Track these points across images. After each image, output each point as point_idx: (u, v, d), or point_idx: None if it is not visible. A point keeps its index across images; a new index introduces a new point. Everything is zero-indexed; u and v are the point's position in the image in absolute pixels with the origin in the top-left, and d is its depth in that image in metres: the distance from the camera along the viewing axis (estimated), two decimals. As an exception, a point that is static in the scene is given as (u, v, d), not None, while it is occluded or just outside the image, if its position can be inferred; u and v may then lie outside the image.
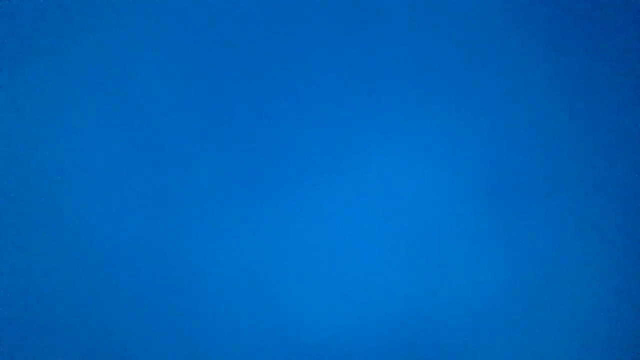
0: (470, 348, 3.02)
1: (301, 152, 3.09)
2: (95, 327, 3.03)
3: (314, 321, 3.04)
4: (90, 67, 3.11)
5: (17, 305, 3.03)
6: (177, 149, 3.08)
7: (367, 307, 3.04)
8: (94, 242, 3.05)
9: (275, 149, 3.09)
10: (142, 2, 3.14)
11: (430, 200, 3.07)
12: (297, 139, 3.09)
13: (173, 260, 3.05)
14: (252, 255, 3.06)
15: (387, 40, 3.11)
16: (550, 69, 3.10)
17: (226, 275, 3.05)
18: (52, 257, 3.04)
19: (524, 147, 3.08)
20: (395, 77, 3.10)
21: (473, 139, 3.08)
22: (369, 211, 3.07)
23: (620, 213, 3.05)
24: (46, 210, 3.06)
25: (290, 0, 3.13)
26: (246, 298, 3.05)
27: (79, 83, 3.10)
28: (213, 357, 3.03)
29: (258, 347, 3.04)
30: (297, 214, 3.07)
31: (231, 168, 3.08)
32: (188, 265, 3.05)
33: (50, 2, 3.12)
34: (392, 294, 3.04)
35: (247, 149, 3.09)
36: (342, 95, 3.10)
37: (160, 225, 3.06)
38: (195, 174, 3.08)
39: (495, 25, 3.12)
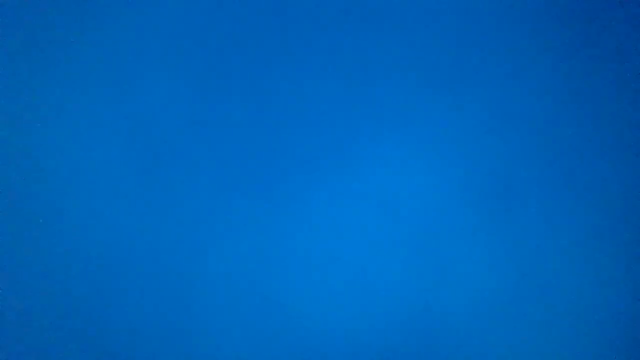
0: (470, 347, 3.02)
1: (302, 153, 3.09)
2: (96, 327, 3.04)
3: (313, 321, 3.04)
4: (91, 68, 3.11)
5: (17, 304, 3.04)
6: (176, 149, 3.09)
7: (367, 306, 3.05)
8: (94, 242, 3.06)
9: (276, 149, 3.10)
10: (142, 3, 3.14)
11: (430, 200, 3.07)
12: (298, 140, 3.09)
13: (173, 260, 3.05)
14: (253, 255, 3.06)
15: (386, 40, 3.11)
16: (549, 69, 3.10)
17: (226, 276, 3.06)
18: (53, 256, 3.05)
19: (523, 146, 3.08)
20: (393, 77, 3.10)
21: (472, 139, 3.09)
22: (368, 212, 3.07)
23: (620, 213, 3.05)
24: (46, 210, 3.06)
25: (287, 1, 3.13)
26: (246, 298, 3.05)
27: (79, 83, 3.11)
28: (212, 356, 3.04)
29: (258, 346, 3.04)
30: (296, 214, 3.07)
31: (231, 169, 3.09)
32: (188, 265, 3.06)
33: (51, 3, 3.13)
34: (392, 294, 3.05)
35: (248, 150, 3.09)
36: (342, 95, 3.11)
37: (159, 224, 3.06)
38: (195, 175, 3.08)
39: (494, 25, 3.12)
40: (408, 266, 3.05)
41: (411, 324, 3.03)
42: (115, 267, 3.05)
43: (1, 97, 3.09)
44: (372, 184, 3.08)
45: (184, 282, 3.05)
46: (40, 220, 3.05)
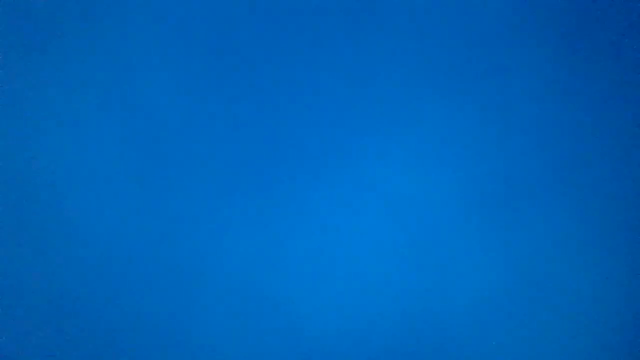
0: (469, 348, 3.03)
1: (301, 152, 3.09)
2: (96, 328, 3.04)
3: (313, 321, 3.04)
4: (90, 66, 3.11)
5: (17, 305, 3.04)
6: (176, 148, 3.09)
7: (367, 306, 3.05)
8: (94, 242, 3.05)
9: (276, 148, 3.09)
10: (143, 3, 3.14)
11: (430, 200, 3.07)
12: (298, 139, 3.09)
13: (173, 260, 3.05)
14: (253, 254, 3.06)
15: (387, 40, 3.11)
16: (549, 70, 3.10)
17: (226, 276, 3.06)
18: (52, 256, 3.05)
19: (523, 146, 3.08)
20: (394, 77, 3.10)
21: (472, 139, 3.09)
22: (368, 211, 3.07)
23: (620, 213, 3.05)
24: (46, 210, 3.06)
25: (289, 0, 3.13)
26: (246, 298, 3.05)
27: (78, 82, 3.11)
28: (212, 356, 3.04)
29: (258, 346, 3.04)
30: (296, 214, 3.07)
31: (231, 168, 3.09)
32: (188, 265, 3.06)
33: (51, 3, 3.12)
34: (391, 294, 3.05)
35: (248, 149, 3.09)
36: (342, 95, 3.11)
37: (159, 224, 3.06)
38: (195, 174, 3.08)
39: (495, 25, 3.12)
40: (409, 266, 3.05)
41: (412, 324, 3.03)
42: (114, 266, 3.05)
43: (1, 97, 3.09)
44: (373, 183, 3.08)
45: (184, 282, 3.05)
46: (39, 218, 3.05)
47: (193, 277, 3.05)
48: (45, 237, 3.05)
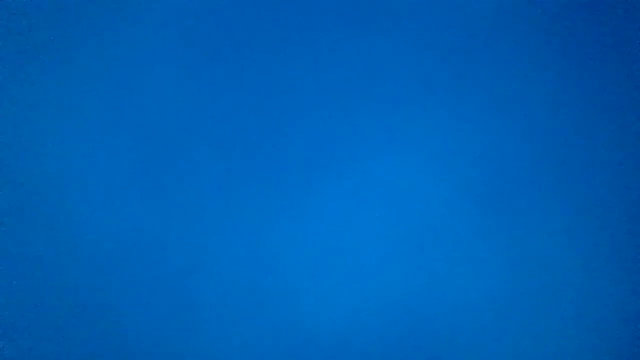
0: (469, 347, 3.02)
1: (303, 152, 3.10)
2: (96, 327, 3.03)
3: (314, 319, 3.04)
4: (92, 67, 3.12)
5: (17, 305, 3.04)
6: (179, 147, 3.09)
7: (367, 305, 3.05)
8: (96, 241, 3.06)
9: (277, 149, 3.10)
10: (144, 3, 3.15)
11: (430, 200, 3.08)
12: (299, 139, 3.10)
13: (175, 259, 3.05)
14: (253, 253, 3.07)
15: (388, 41, 3.12)
16: (549, 71, 3.11)
17: (227, 274, 3.06)
18: (54, 257, 3.05)
19: (524, 146, 3.08)
20: (395, 78, 3.11)
21: (473, 139, 3.09)
22: (369, 211, 3.08)
23: (620, 213, 3.05)
24: (48, 210, 3.06)
25: (291, 1, 3.14)
26: (247, 297, 3.05)
27: (80, 83, 3.11)
28: (213, 354, 3.04)
29: (259, 344, 3.04)
30: (297, 213, 3.08)
31: (233, 168, 3.09)
32: (189, 264, 3.06)
33: (52, 3, 3.13)
34: (393, 294, 3.05)
35: (249, 149, 3.10)
36: (343, 95, 3.11)
37: (161, 223, 3.06)
38: (198, 174, 3.08)
39: (495, 26, 3.13)
40: (410, 265, 3.05)
41: (412, 324, 3.03)
42: (114, 265, 3.05)
43: (2, 97, 3.10)
44: (374, 182, 3.09)
45: (185, 281, 3.05)
46: (41, 219, 3.05)
47: (195, 275, 3.05)
48: (46, 238, 3.05)
